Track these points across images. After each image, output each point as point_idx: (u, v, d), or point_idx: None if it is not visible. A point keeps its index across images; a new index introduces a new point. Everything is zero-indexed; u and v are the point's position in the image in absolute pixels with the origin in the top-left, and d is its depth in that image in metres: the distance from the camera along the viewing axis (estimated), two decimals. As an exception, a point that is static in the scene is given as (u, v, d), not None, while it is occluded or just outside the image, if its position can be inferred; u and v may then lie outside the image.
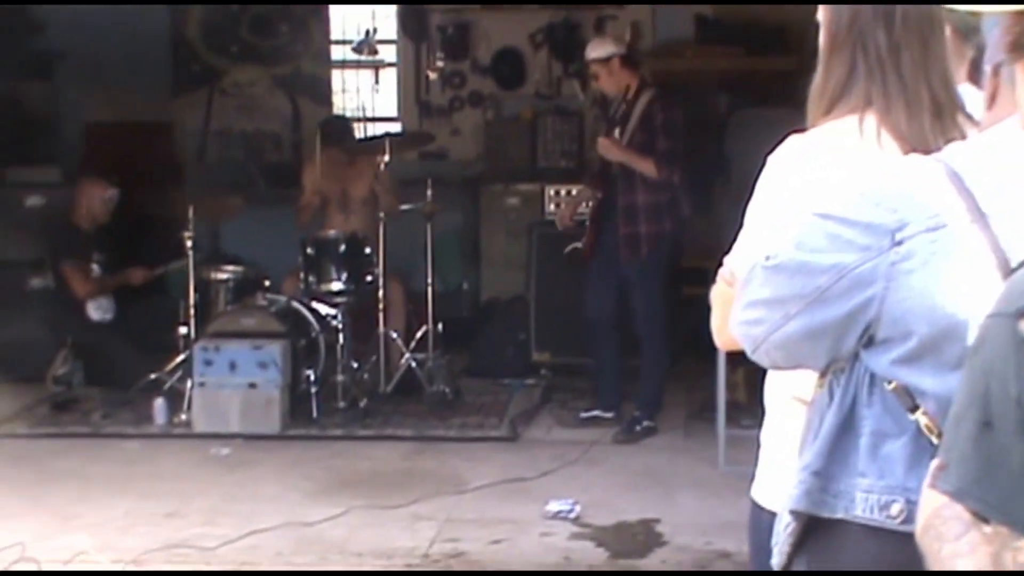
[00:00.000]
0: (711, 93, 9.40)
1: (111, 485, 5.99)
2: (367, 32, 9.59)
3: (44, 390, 7.46)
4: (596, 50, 6.89)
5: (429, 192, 7.46)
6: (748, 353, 1.87)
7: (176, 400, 7.00)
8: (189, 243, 7.08)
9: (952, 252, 1.62)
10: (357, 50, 9.24)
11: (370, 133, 9.43)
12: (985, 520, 1.35)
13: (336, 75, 10.32)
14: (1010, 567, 1.33)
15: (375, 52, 9.42)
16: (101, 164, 8.54)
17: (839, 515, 1.75)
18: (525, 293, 8.41)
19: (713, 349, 2.31)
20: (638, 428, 6.78)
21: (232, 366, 6.75)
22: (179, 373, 7.14)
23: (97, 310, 7.65)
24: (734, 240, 2.19)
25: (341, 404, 7.11)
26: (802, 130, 2.17)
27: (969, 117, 2.10)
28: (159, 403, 6.96)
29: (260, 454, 6.49)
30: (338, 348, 7.19)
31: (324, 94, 10.26)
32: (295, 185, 8.10)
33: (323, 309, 7.31)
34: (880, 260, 1.67)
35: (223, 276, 7.42)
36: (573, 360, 7.96)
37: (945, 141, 2.00)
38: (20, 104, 9.37)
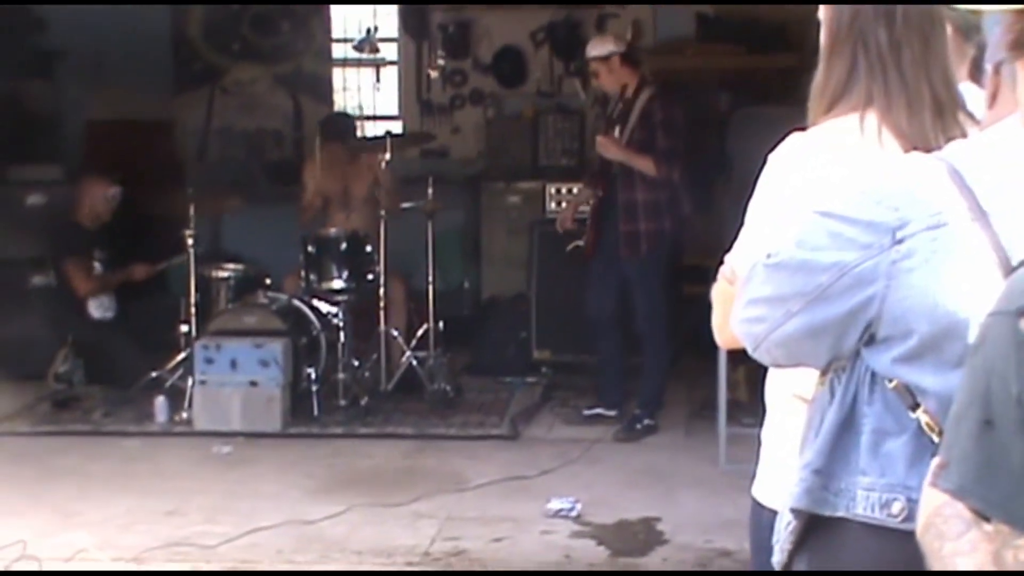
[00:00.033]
0: (712, 91, 9.39)
1: (112, 483, 5.99)
2: (368, 30, 9.58)
3: (45, 388, 7.47)
4: (596, 48, 6.89)
5: (430, 190, 7.46)
6: (749, 351, 1.87)
7: (177, 398, 7.01)
8: (190, 241, 7.08)
9: (953, 250, 1.62)
10: (358, 48, 9.23)
11: (371, 133, 9.43)
12: (986, 518, 1.35)
13: (337, 73, 10.33)
14: (1011, 566, 1.33)
15: (376, 50, 9.42)
16: (102, 162, 8.54)
17: (840, 513, 1.75)
18: (526, 291, 8.41)
19: (714, 347, 2.31)
20: (639, 426, 6.78)
21: (233, 364, 6.75)
22: (180, 371, 7.14)
23: (98, 308, 7.65)
24: (735, 238, 2.19)
25: (342, 402, 7.11)
26: (803, 128, 2.18)
27: (970, 115, 2.10)
28: (160, 401, 6.97)
29: (261, 452, 6.50)
30: (339, 346, 7.19)
31: (325, 92, 10.27)
32: (296, 183, 8.10)
33: (324, 307, 7.31)
34: (881, 258, 1.67)
35: (224, 274, 7.42)
36: (574, 358, 7.96)
37: (946, 139, 2.00)
38: (21, 102, 9.37)
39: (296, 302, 7.23)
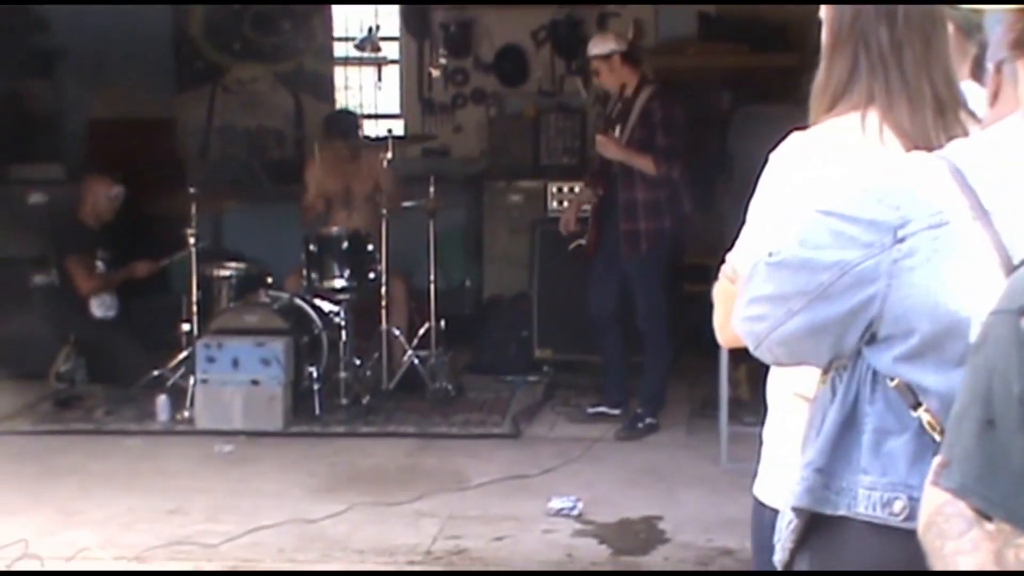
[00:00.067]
0: (714, 90, 9.39)
1: (114, 482, 6.00)
2: (370, 29, 9.58)
3: (47, 387, 7.47)
4: (597, 47, 6.90)
5: (432, 189, 7.47)
6: (751, 349, 1.87)
7: (179, 397, 7.01)
8: (192, 240, 7.08)
9: (954, 249, 1.62)
10: (360, 47, 9.22)
11: (372, 132, 9.43)
12: (988, 517, 1.35)
13: (339, 72, 10.33)
14: (1012, 565, 1.33)
15: (378, 49, 9.41)
16: (103, 161, 8.54)
17: (841, 512, 1.75)
18: (528, 290, 8.42)
19: (715, 346, 2.31)
20: (640, 425, 6.78)
21: (235, 363, 6.75)
22: (182, 370, 7.15)
23: (100, 307, 7.65)
24: (736, 237, 2.19)
25: (343, 401, 7.11)
26: (804, 127, 2.18)
27: (972, 114, 2.10)
28: (162, 400, 6.97)
29: (263, 451, 6.50)
30: (341, 345, 7.19)
31: (327, 91, 10.27)
32: (298, 182, 8.10)
33: (326, 306, 7.31)
34: (882, 257, 1.67)
35: (226, 273, 7.42)
36: (576, 357, 7.96)
37: (947, 138, 2.00)
38: (23, 102, 9.38)
39: (298, 301, 7.23)
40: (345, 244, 7.27)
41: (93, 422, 7.03)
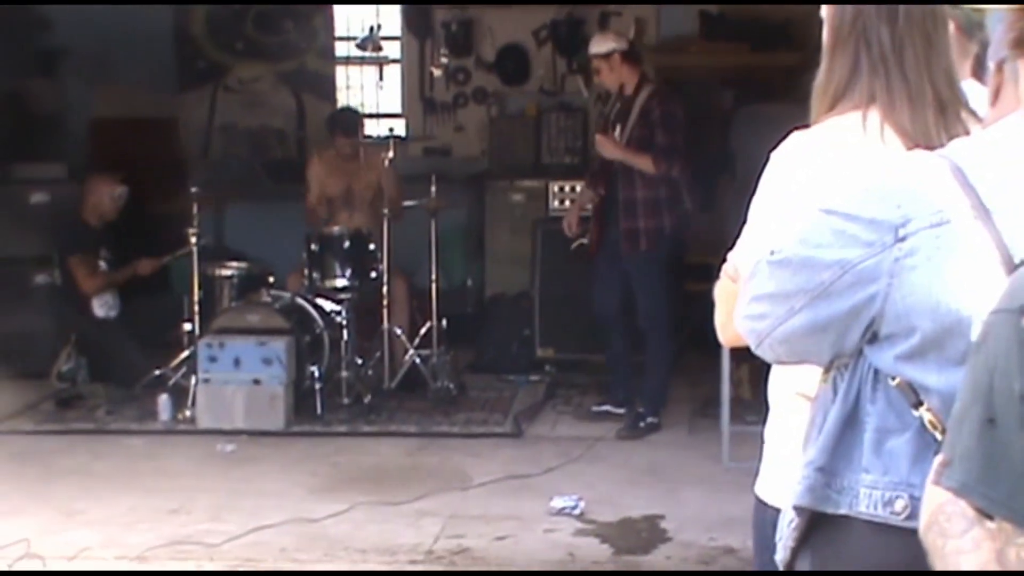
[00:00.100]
0: (715, 89, 9.40)
1: (115, 481, 6.00)
2: (371, 28, 9.56)
3: (48, 386, 7.48)
4: (598, 46, 6.90)
5: (433, 188, 7.47)
6: (752, 348, 1.87)
7: (180, 396, 7.01)
8: (193, 239, 7.09)
9: (956, 248, 1.62)
10: (361, 47, 9.21)
11: (374, 131, 9.43)
12: (989, 516, 1.36)
13: (340, 71, 10.33)
14: (1014, 564, 1.33)
15: (379, 48, 9.40)
16: (106, 160, 8.55)
17: (843, 511, 1.75)
18: (529, 289, 8.41)
19: (717, 345, 2.31)
20: (642, 424, 6.78)
21: (236, 362, 6.76)
22: (183, 369, 7.15)
23: (102, 307, 7.65)
24: (738, 236, 2.19)
25: (345, 400, 7.11)
26: (806, 126, 2.18)
27: (973, 113, 2.10)
28: (163, 399, 6.97)
29: (264, 450, 6.50)
30: (342, 344, 7.20)
31: (328, 90, 10.27)
32: (299, 181, 8.11)
33: (327, 305, 7.32)
34: (884, 256, 1.67)
35: (227, 272, 7.42)
36: (577, 356, 7.97)
37: (949, 137, 2.00)
38: (25, 101, 9.38)
39: (299, 300, 7.23)
40: (347, 243, 7.28)
41: (95, 422, 7.03)
